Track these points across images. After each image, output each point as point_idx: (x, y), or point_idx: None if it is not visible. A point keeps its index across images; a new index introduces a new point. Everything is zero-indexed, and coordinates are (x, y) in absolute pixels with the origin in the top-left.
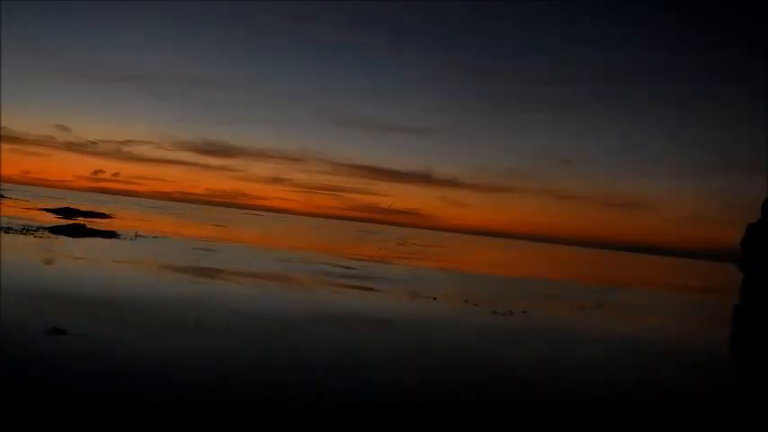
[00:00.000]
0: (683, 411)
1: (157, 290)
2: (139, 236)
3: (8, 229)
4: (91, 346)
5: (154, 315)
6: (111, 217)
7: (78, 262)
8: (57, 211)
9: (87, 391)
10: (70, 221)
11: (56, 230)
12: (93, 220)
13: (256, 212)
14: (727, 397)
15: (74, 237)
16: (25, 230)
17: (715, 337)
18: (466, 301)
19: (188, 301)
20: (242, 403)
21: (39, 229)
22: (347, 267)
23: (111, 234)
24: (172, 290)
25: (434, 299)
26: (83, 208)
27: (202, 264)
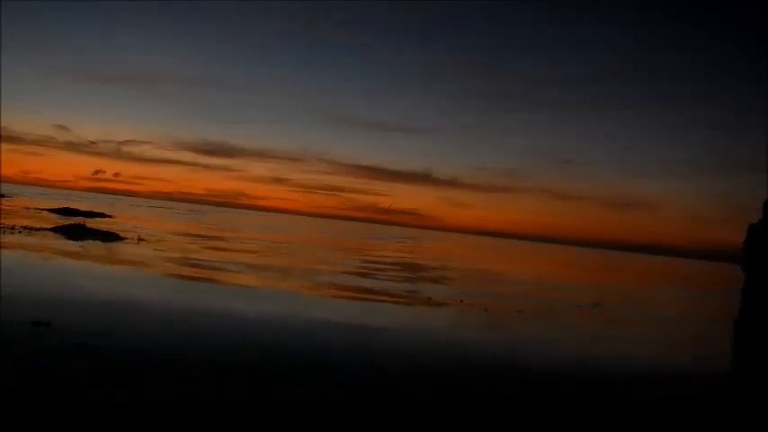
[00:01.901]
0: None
1: (155, 291)
2: (142, 239)
3: (7, 229)
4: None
5: (150, 316)
6: (111, 217)
7: (77, 262)
8: (57, 211)
9: (78, 388)
10: (70, 222)
11: (56, 231)
12: (93, 220)
13: (246, 213)
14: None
15: (73, 237)
16: (25, 230)
17: (717, 337)
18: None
19: (192, 307)
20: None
21: (39, 229)
22: None
23: (110, 234)
24: (171, 291)
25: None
26: (83, 208)
27: (205, 269)
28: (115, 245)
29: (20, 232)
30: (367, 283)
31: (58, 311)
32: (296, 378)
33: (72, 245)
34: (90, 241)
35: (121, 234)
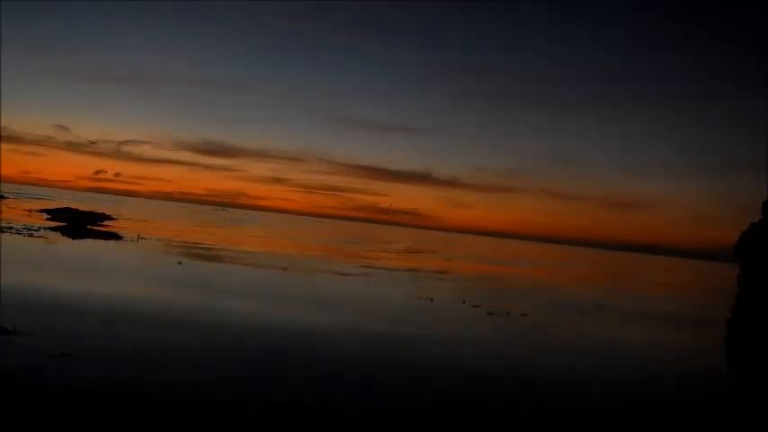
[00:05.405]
0: (681, 415)
1: (153, 293)
2: (142, 238)
3: (8, 230)
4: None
5: (147, 320)
6: (111, 218)
7: (76, 264)
8: (57, 212)
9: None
10: (70, 222)
11: (56, 231)
12: (93, 221)
13: (246, 213)
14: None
15: (74, 238)
16: (25, 231)
17: (714, 336)
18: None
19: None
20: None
21: (39, 229)
22: None
23: (111, 235)
24: (170, 295)
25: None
26: (83, 208)
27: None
28: (116, 245)
29: (22, 233)
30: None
31: (62, 321)
32: None
33: (72, 246)
34: (90, 242)
35: (121, 234)
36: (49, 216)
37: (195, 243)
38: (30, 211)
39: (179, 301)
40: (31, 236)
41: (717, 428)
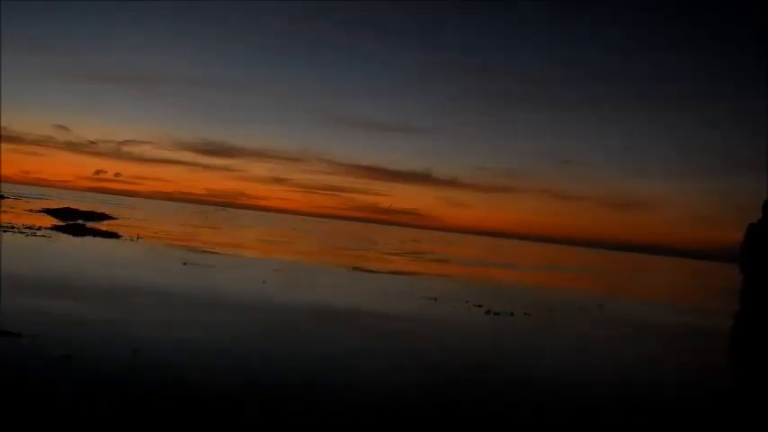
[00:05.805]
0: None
1: (154, 293)
2: (140, 238)
3: (8, 230)
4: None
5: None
6: (111, 218)
7: (77, 264)
8: (57, 212)
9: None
10: (70, 222)
11: (56, 231)
12: (93, 220)
13: (246, 212)
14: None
15: (74, 237)
16: (26, 231)
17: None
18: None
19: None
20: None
21: (40, 228)
22: None
23: (111, 235)
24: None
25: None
26: (83, 208)
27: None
28: (116, 246)
29: (22, 233)
30: None
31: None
32: None
33: (72, 246)
34: (91, 243)
35: (121, 235)
36: (49, 216)
37: (196, 243)
38: (30, 210)
39: (180, 301)
40: (33, 235)
41: (717, 428)
